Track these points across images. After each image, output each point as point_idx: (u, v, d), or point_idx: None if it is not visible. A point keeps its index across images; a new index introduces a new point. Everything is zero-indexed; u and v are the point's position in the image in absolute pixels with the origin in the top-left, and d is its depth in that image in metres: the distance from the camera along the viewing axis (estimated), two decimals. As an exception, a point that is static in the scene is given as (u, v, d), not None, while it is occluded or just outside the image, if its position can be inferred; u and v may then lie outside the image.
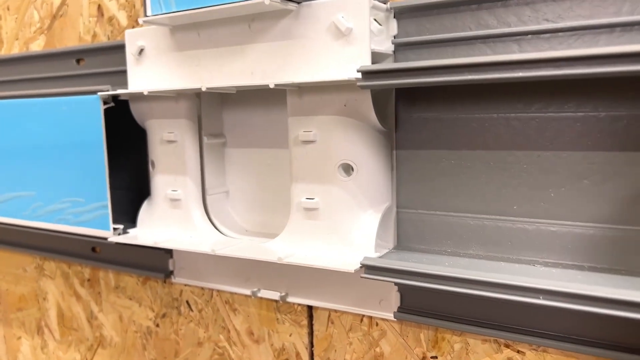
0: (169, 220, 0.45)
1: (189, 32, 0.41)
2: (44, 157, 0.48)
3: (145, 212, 0.47)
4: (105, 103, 0.44)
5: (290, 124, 0.38)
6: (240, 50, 0.39)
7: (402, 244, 0.39)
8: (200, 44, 0.41)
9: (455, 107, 0.35)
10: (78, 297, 0.59)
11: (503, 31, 0.33)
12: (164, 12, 0.39)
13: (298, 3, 0.36)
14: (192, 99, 0.43)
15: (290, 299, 0.43)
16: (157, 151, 0.45)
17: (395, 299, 0.39)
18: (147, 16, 0.40)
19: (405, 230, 0.38)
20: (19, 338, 0.66)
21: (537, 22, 0.32)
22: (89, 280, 0.58)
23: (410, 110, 0.37)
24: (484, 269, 0.32)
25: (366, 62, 0.34)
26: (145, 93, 0.41)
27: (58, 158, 0.47)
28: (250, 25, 0.38)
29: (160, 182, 0.45)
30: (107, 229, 0.45)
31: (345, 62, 0.35)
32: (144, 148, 0.47)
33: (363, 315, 0.42)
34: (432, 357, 0.39)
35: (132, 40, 0.44)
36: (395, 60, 0.37)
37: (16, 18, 0.59)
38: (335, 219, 0.37)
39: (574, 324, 0.32)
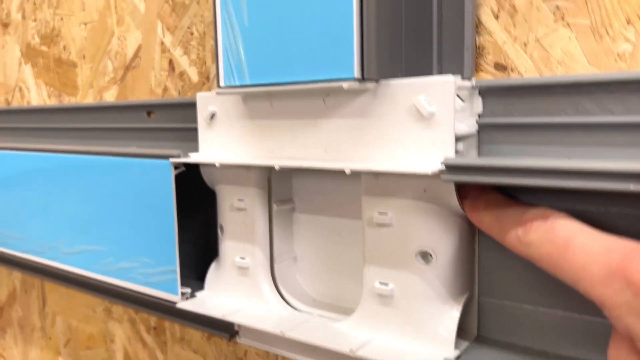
0: (237, 288, 0.44)
1: (261, 101, 0.40)
2: (116, 214, 0.49)
3: (213, 275, 0.46)
4: (176, 168, 0.43)
5: (364, 203, 0.36)
6: (313, 124, 0.38)
7: (483, 335, 0.36)
8: (272, 114, 0.40)
9: (543, 196, 0.32)
10: (144, 343, 0.60)
11: (605, 120, 0.30)
12: (237, 84, 0.38)
13: (376, 82, 0.34)
14: (263, 168, 0.42)
15: (359, 376, 0.41)
16: (227, 217, 0.44)
17: (473, 392, 0.36)
18: (219, 87, 0.39)
19: (487, 322, 0.36)
20: (88, 375, 0.68)
21: (646, 113, 0.29)
22: (155, 328, 0.58)
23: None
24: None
25: (449, 149, 0.32)
26: (217, 165, 0.40)
27: (129, 217, 0.48)
28: (325, 100, 0.37)
29: (229, 248, 0.44)
30: (175, 293, 0.45)
31: (426, 147, 0.33)
32: (212, 210, 0.46)
33: (437, 402, 0.39)
34: None
35: (204, 104, 0.44)
36: (480, 141, 0.34)
37: (91, 67, 0.60)
38: (412, 309, 0.35)
39: None
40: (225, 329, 0.49)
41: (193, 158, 0.43)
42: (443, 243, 0.34)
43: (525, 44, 0.33)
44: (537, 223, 0.28)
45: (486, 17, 0.34)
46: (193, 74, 0.50)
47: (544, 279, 0.33)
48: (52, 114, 0.64)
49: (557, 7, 0.31)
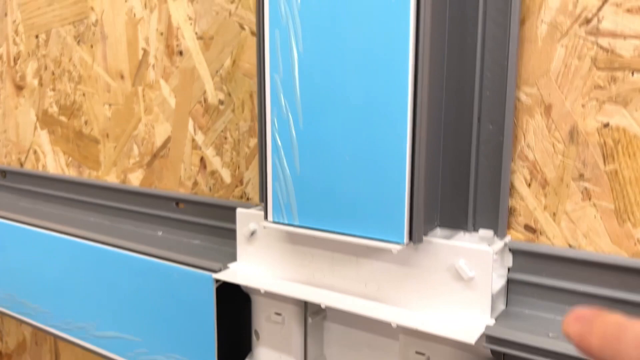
0: (271, 390, 0.48)
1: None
2: (152, 310, 0.51)
3: (246, 375, 0.50)
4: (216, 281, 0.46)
5: (402, 340, 0.40)
6: (355, 261, 0.41)
7: None
8: (315, 244, 0.43)
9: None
10: (165, 411, 0.63)
11: (627, 297, 0.34)
12: (286, 222, 0.41)
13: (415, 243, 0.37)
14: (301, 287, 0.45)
15: None
16: (262, 325, 0.47)
17: None
18: (267, 220, 0.42)
19: None
20: None
21: (661, 296, 0.33)
22: (177, 399, 0.61)
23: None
24: None
25: (486, 308, 0.36)
26: (262, 292, 0.43)
27: (166, 315, 0.50)
28: (368, 241, 0.40)
29: (264, 354, 0.48)
30: (213, 393, 0.48)
31: (465, 306, 0.37)
32: (246, 313, 0.50)
33: None
34: None
35: (244, 220, 0.47)
36: (508, 290, 0.38)
37: (115, 147, 0.61)
38: None
39: None
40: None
41: (235, 277, 0.46)
42: (476, 384, 0.38)
43: (554, 214, 0.37)
44: None
45: (519, 183, 0.38)
46: (226, 175, 0.53)
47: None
48: (73, 185, 0.65)
49: (585, 189, 0.35)
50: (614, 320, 0.27)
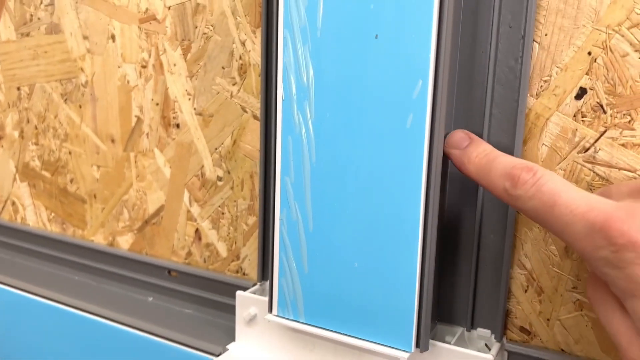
0: None
1: (306, 320, 0.44)
2: (145, 386, 0.52)
3: None
4: (216, 363, 0.47)
5: None
6: (357, 354, 0.43)
7: None
8: (316, 336, 0.44)
9: None
10: None
11: None
12: (291, 318, 0.42)
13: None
14: (301, 371, 0.47)
15: None
16: (261, 405, 0.48)
17: None
18: (271, 313, 0.43)
19: None
20: None
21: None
22: None
23: None
24: None
25: (486, 410, 0.38)
26: (265, 383, 0.44)
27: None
28: (371, 337, 0.42)
29: None
30: None
31: (465, 404, 0.39)
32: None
33: None
34: None
35: (244, 303, 0.47)
36: (503, 386, 0.41)
37: (103, 208, 0.61)
38: None
39: None
40: None
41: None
42: None
43: (548, 319, 0.39)
44: (525, 178, 0.30)
45: (516, 288, 0.40)
46: (222, 249, 0.53)
47: None
48: (56, 242, 0.64)
49: (578, 300, 0.38)
50: (487, 151, 0.35)
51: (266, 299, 0.46)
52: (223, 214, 0.53)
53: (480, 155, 0.34)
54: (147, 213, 0.58)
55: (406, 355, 0.38)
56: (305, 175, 0.40)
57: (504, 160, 0.33)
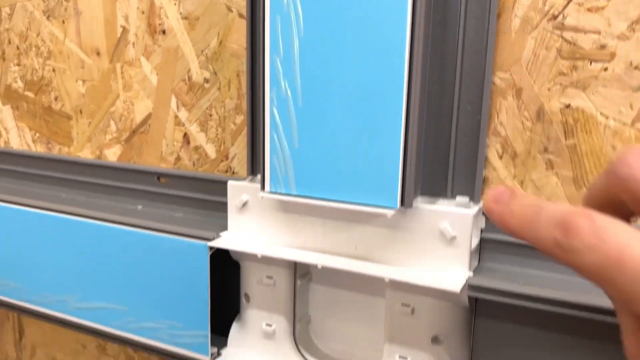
0: (261, 349, 0.51)
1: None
2: (141, 280, 0.53)
3: (236, 336, 0.53)
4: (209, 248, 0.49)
5: (388, 294, 0.45)
6: (346, 226, 0.45)
7: (473, 392, 0.47)
8: (307, 211, 0.47)
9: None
10: (143, 380, 0.65)
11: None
12: (283, 192, 0.45)
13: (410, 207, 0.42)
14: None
15: (364, 417, 0.51)
16: (253, 289, 0.51)
17: None
18: (264, 191, 0.46)
19: (477, 383, 0.47)
20: (74, 405, 0.71)
21: None
22: (156, 367, 0.64)
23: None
24: None
25: (465, 267, 0.42)
26: (259, 257, 0.47)
27: (156, 285, 0.53)
28: (359, 209, 0.45)
29: (255, 315, 0.51)
30: (206, 354, 0.51)
31: (446, 261, 0.42)
32: (234, 278, 0.53)
33: None
34: None
35: (235, 192, 0.50)
36: (481, 249, 0.44)
37: (89, 123, 0.62)
38: (425, 378, 0.45)
39: None
40: (236, 375, 0.56)
41: (231, 244, 0.49)
42: (453, 329, 0.44)
43: (522, 182, 0.43)
44: (581, 225, 0.24)
45: (492, 156, 0.43)
46: (211, 150, 0.55)
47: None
48: (41, 161, 0.65)
49: (549, 160, 0.42)
50: (530, 202, 0.29)
51: (257, 185, 0.48)
52: (211, 115, 0.55)
53: (524, 206, 0.29)
54: (134, 123, 0.59)
55: (392, 211, 0.41)
56: (294, 52, 0.42)
57: (553, 208, 0.27)
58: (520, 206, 0.29)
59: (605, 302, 0.37)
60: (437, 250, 0.42)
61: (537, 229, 0.27)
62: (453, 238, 0.42)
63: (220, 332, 0.54)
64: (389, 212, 0.41)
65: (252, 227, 0.49)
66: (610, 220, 0.24)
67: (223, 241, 0.49)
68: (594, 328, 0.41)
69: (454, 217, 0.41)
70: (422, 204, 0.43)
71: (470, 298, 0.43)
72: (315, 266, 0.50)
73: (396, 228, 0.44)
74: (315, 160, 0.43)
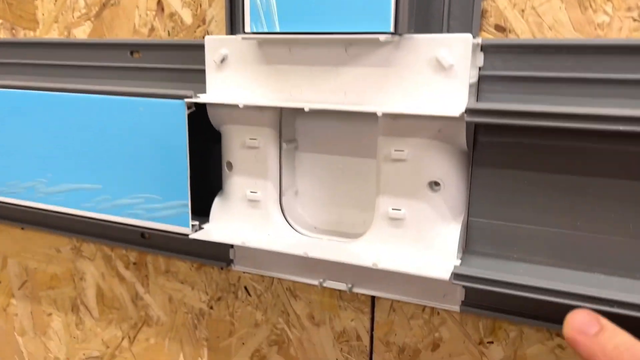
0: (246, 218, 0.48)
1: (279, 47, 0.43)
2: (114, 153, 0.50)
3: (218, 209, 0.50)
4: (188, 108, 0.46)
5: (380, 141, 0.42)
6: (334, 71, 0.42)
7: (470, 247, 0.44)
8: (291, 60, 0.43)
9: (533, 134, 0.40)
10: (121, 278, 0.62)
11: (586, 76, 0.38)
12: (265, 31, 0.41)
13: (400, 35, 0.39)
14: (276, 109, 0.46)
15: (355, 290, 0.48)
16: (236, 155, 0.47)
17: (460, 294, 0.45)
18: (245, 32, 0.42)
19: (475, 236, 0.44)
20: (50, 314, 0.68)
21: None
22: (135, 263, 0.60)
23: (488, 134, 0.42)
24: (567, 279, 0.38)
25: (464, 96, 0.39)
26: (241, 106, 0.43)
27: (131, 155, 0.49)
28: (347, 49, 0.41)
29: (238, 183, 0.48)
30: (186, 225, 0.48)
31: (443, 94, 0.39)
32: (212, 148, 0.50)
33: (425, 306, 0.47)
34: (488, 342, 0.46)
35: (214, 47, 0.46)
36: (479, 90, 0.41)
37: (56, 1, 0.57)
38: (421, 229, 0.42)
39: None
40: (220, 258, 0.53)
41: (211, 98, 0.45)
42: (450, 173, 0.41)
43: (522, 10, 0.40)
44: None
45: (490, -15, 0.40)
46: (187, 16, 0.51)
47: (525, 202, 0.42)
48: (3, 48, 0.60)
49: (552, -23, 0.39)
50: (627, 344, 0.29)
51: (237, 36, 0.44)
52: (186, -25, 0.51)
53: (620, 349, 0.28)
54: (104, -6, 0.55)
55: (385, 36, 0.38)
56: None
57: None
58: (614, 346, 0.28)
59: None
60: (434, 84, 0.39)
61: None
62: (451, 66, 0.38)
63: (202, 215, 0.51)
64: (382, 37, 0.38)
65: (233, 84, 0.46)
66: None
67: (202, 98, 0.46)
68: (594, 160, 0.38)
69: (452, 43, 0.38)
70: (416, 34, 0.39)
71: (468, 141, 0.41)
72: (302, 129, 0.47)
73: (388, 65, 0.40)
74: (300, -11, 0.40)
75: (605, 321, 0.31)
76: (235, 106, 0.45)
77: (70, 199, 0.53)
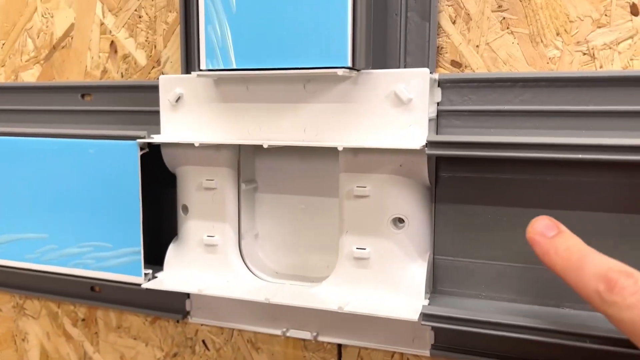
0: (203, 265, 0.46)
1: (236, 85, 0.42)
2: (62, 198, 0.47)
3: (173, 256, 0.47)
4: (141, 149, 0.44)
5: (342, 178, 0.41)
6: (292, 108, 0.41)
7: (437, 287, 0.43)
8: (248, 97, 0.42)
9: (495, 168, 0.40)
10: (68, 337, 0.57)
11: (540, 108, 0.38)
12: (221, 67, 0.40)
13: (357, 71, 0.39)
14: (234, 148, 0.44)
15: (320, 339, 0.46)
16: (192, 197, 0.45)
17: (429, 337, 0.43)
18: (200, 70, 0.41)
19: (441, 275, 0.43)
20: (-13, 381, 0.62)
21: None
22: (83, 320, 0.56)
23: (450, 168, 0.41)
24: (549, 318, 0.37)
25: (424, 129, 0.38)
26: (197, 144, 0.41)
27: (80, 201, 0.46)
28: (306, 85, 0.41)
29: (195, 227, 0.46)
30: (139, 274, 0.45)
31: (403, 128, 0.39)
32: (168, 191, 0.47)
33: (394, 352, 0.45)
34: (460, 388, 0.44)
35: (168, 86, 0.45)
36: (438, 125, 0.41)
37: (3, 44, 0.55)
38: (387, 268, 0.40)
39: None
40: (176, 310, 0.50)
41: (165, 138, 0.44)
42: (414, 210, 0.40)
43: (477, 46, 0.40)
44: (623, 284, 0.27)
45: (445, 22, 0.41)
46: (141, 57, 0.50)
47: (488, 238, 0.41)
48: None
49: (504, 18, 0.39)
50: (577, 246, 0.32)
51: (193, 76, 0.43)
52: (140, 17, 0.50)
53: (570, 249, 0.31)
54: (54, 37, 0.53)
55: (342, 70, 0.37)
56: None
57: (599, 260, 0.30)
58: (565, 247, 0.32)
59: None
60: (394, 118, 0.39)
61: (581, 276, 0.30)
62: (409, 100, 0.38)
63: (155, 263, 0.48)
64: (340, 71, 0.37)
65: (188, 124, 0.44)
66: None
67: (156, 138, 0.44)
68: (557, 192, 0.38)
69: (410, 78, 0.38)
70: (374, 70, 0.39)
71: (430, 176, 0.40)
72: (262, 169, 0.46)
73: (348, 100, 0.40)
74: (257, 26, 0.39)
75: (563, 227, 0.34)
76: (191, 146, 0.43)
77: (11, 250, 0.49)
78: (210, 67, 0.41)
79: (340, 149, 0.38)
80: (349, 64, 0.37)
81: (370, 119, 0.39)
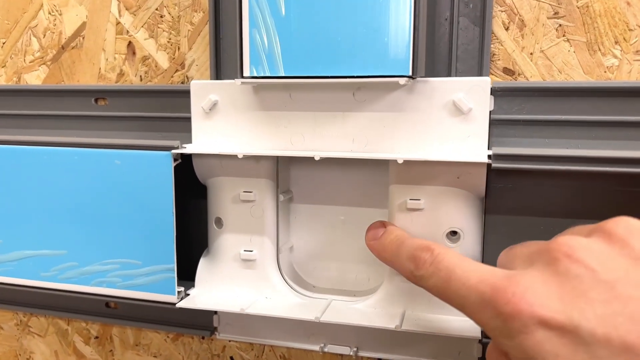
0: (239, 280, 0.43)
1: (278, 92, 0.40)
2: (80, 214, 0.43)
3: (205, 271, 0.44)
4: (174, 160, 0.41)
5: (393, 190, 0.39)
6: (340, 117, 0.39)
7: (487, 300, 0.42)
8: (291, 105, 0.40)
9: (544, 179, 0.39)
10: (80, 355, 0.54)
11: (597, 119, 0.38)
12: (268, 75, 0.38)
13: (413, 79, 0.37)
14: (273, 158, 0.42)
15: (360, 354, 0.44)
16: (228, 209, 0.43)
17: (476, 351, 0.42)
18: (243, 77, 0.38)
19: (491, 288, 0.42)
20: (-14, 404, 0.58)
21: (630, 113, 0.37)
22: (97, 337, 0.53)
23: (502, 179, 0.40)
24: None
25: (483, 140, 0.37)
26: (240, 156, 0.39)
27: (102, 216, 0.43)
28: (355, 93, 0.39)
29: (230, 241, 0.43)
30: (172, 293, 0.42)
31: (461, 139, 0.37)
32: (193, 202, 0.45)
33: (438, 365, 0.44)
34: (507, 400, 0.43)
35: (201, 92, 0.42)
36: (491, 135, 0.40)
37: (4, 43, 0.51)
38: (440, 283, 0.39)
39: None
40: (202, 326, 0.48)
41: (202, 148, 0.41)
42: (469, 223, 0.39)
43: (531, 53, 0.39)
44: (424, 257, 0.31)
45: (497, 28, 0.40)
46: (162, 60, 0.47)
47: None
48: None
49: (560, 25, 0.38)
50: (395, 237, 0.36)
51: (228, 81, 0.41)
52: (162, 17, 0.46)
53: (392, 242, 0.35)
54: (63, 37, 0.49)
55: (404, 79, 0.35)
56: None
57: (409, 244, 0.34)
58: (389, 241, 0.36)
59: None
60: (451, 129, 0.37)
61: (399, 262, 0.34)
62: (469, 110, 0.37)
63: (183, 278, 0.45)
64: (402, 80, 0.35)
65: (224, 134, 0.42)
66: (445, 249, 0.31)
67: (192, 147, 0.41)
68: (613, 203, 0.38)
69: (470, 87, 0.37)
70: (431, 78, 0.38)
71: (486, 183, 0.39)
72: (297, 179, 0.44)
73: (400, 109, 0.38)
74: (307, 31, 0.37)
75: (388, 224, 0.38)
76: (227, 156, 0.40)
77: (24, 268, 0.46)
78: (255, 74, 0.38)
79: (400, 161, 0.36)
80: (410, 73, 0.36)
81: (426, 129, 0.38)
